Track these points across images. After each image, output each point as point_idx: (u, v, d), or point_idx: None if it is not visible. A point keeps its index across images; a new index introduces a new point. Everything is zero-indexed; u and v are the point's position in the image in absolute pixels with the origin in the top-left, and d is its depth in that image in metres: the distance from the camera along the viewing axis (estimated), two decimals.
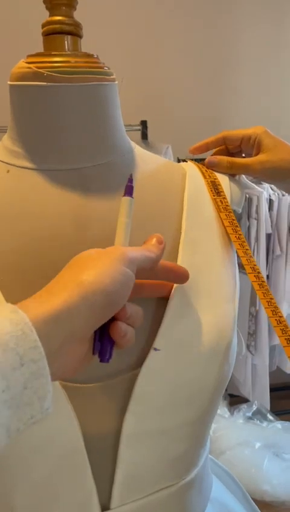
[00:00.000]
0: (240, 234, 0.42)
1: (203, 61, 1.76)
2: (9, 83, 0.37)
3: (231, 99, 1.82)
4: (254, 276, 0.40)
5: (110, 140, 0.39)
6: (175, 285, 0.36)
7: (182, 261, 0.37)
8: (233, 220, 0.42)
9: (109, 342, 0.29)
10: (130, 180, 0.33)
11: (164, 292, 0.35)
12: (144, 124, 1.58)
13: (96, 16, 1.60)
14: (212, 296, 0.36)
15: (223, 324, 0.36)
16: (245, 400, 1.74)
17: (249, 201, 1.54)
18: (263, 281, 0.40)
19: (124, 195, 0.33)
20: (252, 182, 1.57)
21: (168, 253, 0.38)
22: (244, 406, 1.72)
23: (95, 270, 0.26)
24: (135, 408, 0.33)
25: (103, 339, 0.29)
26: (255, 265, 0.41)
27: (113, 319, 0.28)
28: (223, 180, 0.44)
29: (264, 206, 1.53)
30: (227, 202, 0.42)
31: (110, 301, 0.26)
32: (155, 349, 0.33)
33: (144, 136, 1.57)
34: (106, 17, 1.63)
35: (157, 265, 0.32)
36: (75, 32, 0.37)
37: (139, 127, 1.56)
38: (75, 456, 0.33)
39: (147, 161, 0.42)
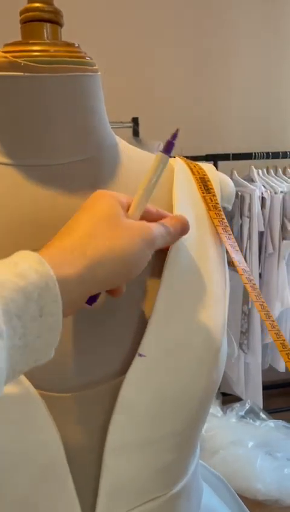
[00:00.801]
0: (229, 234, 0.40)
1: (196, 58, 1.74)
2: None
3: (224, 97, 1.80)
4: (246, 278, 0.39)
5: (92, 135, 0.37)
6: (161, 287, 0.34)
7: (169, 262, 0.35)
8: (223, 219, 0.40)
9: None
10: (175, 135, 0.31)
11: None
12: (135, 121, 1.56)
13: (87, 12, 1.58)
14: (201, 298, 0.35)
15: (213, 327, 0.34)
16: (238, 399, 1.73)
17: (241, 199, 1.53)
18: (253, 284, 0.39)
19: (161, 151, 0.31)
20: (244, 180, 1.56)
21: (154, 253, 0.36)
22: (237, 405, 1.71)
23: (122, 241, 0.28)
24: (119, 418, 0.31)
25: None
26: (245, 266, 0.39)
27: None
28: (213, 176, 0.42)
29: (257, 204, 1.52)
30: (216, 200, 0.41)
31: (124, 275, 0.28)
32: (140, 354, 0.32)
33: (136, 133, 1.55)
34: (97, 14, 1.61)
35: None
36: (55, 20, 0.35)
37: (131, 124, 1.54)
38: (56, 469, 0.31)
39: (132, 157, 0.40)
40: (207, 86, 1.77)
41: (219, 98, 1.80)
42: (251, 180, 1.57)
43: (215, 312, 0.35)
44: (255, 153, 1.54)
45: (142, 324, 0.33)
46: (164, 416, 0.33)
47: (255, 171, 1.57)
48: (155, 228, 0.30)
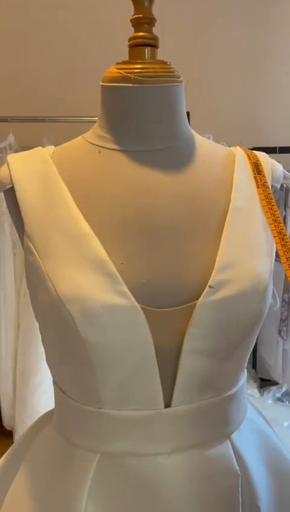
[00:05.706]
0: (275, 210, 0.52)
1: (246, 55, 1.82)
2: (101, 83, 0.49)
3: (272, 94, 1.87)
4: (286, 258, 0.47)
5: (177, 129, 0.50)
6: (225, 233, 0.46)
7: (229, 223, 0.47)
8: (269, 194, 0.52)
9: None
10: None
11: None
12: (187, 115, 1.67)
13: None
14: (253, 250, 0.47)
15: (262, 272, 0.46)
16: (275, 384, 1.81)
17: (286, 191, 1.60)
18: None
19: None
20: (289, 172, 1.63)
21: (219, 216, 0.48)
22: (273, 388, 1.79)
23: None
24: (193, 330, 0.44)
25: None
26: (287, 241, 0.49)
27: None
28: (265, 161, 0.54)
29: None
30: (265, 179, 0.53)
31: None
32: (210, 286, 0.44)
33: None
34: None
35: None
36: (154, 44, 0.48)
37: None
38: (148, 362, 0.44)
39: (204, 146, 0.53)
40: (256, 82, 1.85)
41: (267, 94, 1.87)
42: None
43: (264, 261, 0.47)
44: None
45: (211, 262, 0.45)
46: (225, 332, 0.45)
47: None
48: None
